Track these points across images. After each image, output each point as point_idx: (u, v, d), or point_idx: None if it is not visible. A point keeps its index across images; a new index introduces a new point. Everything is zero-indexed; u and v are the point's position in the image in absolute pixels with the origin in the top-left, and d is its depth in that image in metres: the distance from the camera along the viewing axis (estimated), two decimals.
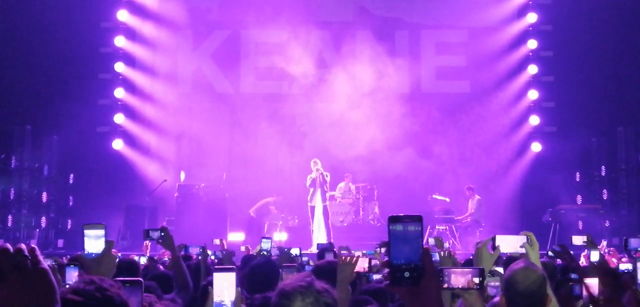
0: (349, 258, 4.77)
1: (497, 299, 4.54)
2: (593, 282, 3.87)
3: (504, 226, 17.13)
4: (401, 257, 1.72)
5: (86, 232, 3.13)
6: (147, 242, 11.89)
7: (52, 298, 1.74)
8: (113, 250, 3.28)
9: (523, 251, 3.79)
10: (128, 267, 5.88)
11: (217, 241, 9.84)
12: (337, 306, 2.79)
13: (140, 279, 2.58)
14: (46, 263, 1.70)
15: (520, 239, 3.80)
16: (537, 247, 3.81)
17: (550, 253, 7.96)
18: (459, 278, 3.44)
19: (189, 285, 5.53)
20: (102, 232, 3.14)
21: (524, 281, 3.67)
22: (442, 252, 8.30)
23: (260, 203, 18.23)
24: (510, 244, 3.80)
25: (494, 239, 3.79)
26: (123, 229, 17.71)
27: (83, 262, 3.09)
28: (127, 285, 2.32)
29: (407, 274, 1.72)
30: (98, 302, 2.17)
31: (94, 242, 3.12)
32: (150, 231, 5.82)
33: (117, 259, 6.25)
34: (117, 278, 2.46)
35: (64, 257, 9.26)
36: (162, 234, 5.62)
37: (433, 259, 1.81)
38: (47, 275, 1.74)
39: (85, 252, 3.11)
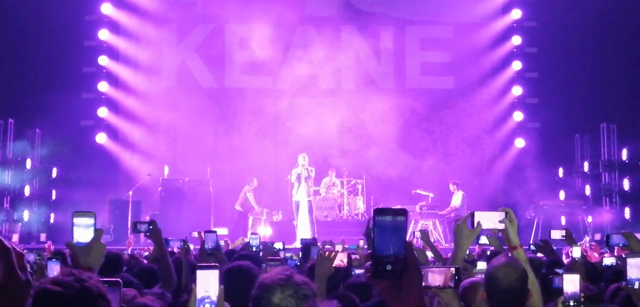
0: (328, 253, 4.81)
1: (469, 280, 4.56)
2: (574, 278, 3.88)
3: None
4: (384, 250, 1.72)
5: (75, 220, 3.10)
6: (131, 237, 11.85)
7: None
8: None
9: (502, 226, 3.77)
10: (113, 261, 5.86)
11: (195, 234, 9.80)
12: (316, 298, 2.82)
13: (118, 279, 2.58)
14: (30, 257, 1.69)
15: (500, 215, 3.77)
16: (516, 224, 3.78)
17: (532, 247, 8.02)
18: (435, 277, 3.45)
19: (173, 279, 5.52)
20: (91, 220, 3.12)
21: (505, 278, 3.68)
22: (427, 248, 8.35)
23: (241, 195, 18.18)
24: (489, 219, 3.78)
25: (472, 216, 3.77)
26: (106, 224, 17.61)
27: (72, 251, 3.07)
28: (105, 285, 2.33)
29: (389, 267, 1.71)
30: (76, 292, 2.21)
31: (83, 230, 3.09)
32: (138, 224, 5.81)
33: None
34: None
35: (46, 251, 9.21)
36: (151, 227, 5.60)
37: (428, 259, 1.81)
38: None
39: (75, 241, 3.08)
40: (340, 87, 20.57)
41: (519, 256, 3.83)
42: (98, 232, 3.10)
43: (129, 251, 10.21)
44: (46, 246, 10.74)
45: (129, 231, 17.04)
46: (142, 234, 6.43)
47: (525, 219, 17.82)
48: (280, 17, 20.11)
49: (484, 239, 8.24)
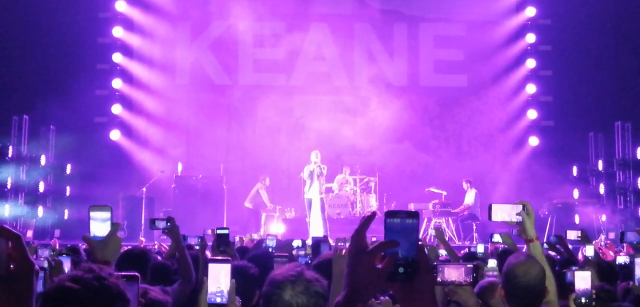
0: (345, 251, 4.76)
1: (487, 280, 4.54)
2: (586, 275, 3.86)
3: None
4: (397, 252, 1.71)
5: (92, 214, 3.12)
6: (142, 238, 11.89)
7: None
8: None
9: (518, 219, 3.76)
10: (139, 257, 5.83)
11: (209, 231, 9.82)
12: (328, 295, 2.81)
13: (136, 274, 2.57)
14: (45, 253, 1.68)
15: (516, 207, 3.77)
16: (533, 216, 3.79)
17: (546, 244, 7.96)
18: (451, 272, 3.42)
19: (192, 275, 5.50)
20: (108, 214, 3.13)
21: (524, 276, 3.66)
22: (440, 245, 8.32)
23: (252, 192, 18.20)
24: (506, 212, 3.77)
25: (490, 208, 3.76)
26: (120, 220, 17.67)
27: (89, 244, 3.08)
28: (123, 280, 2.30)
29: (401, 270, 1.70)
30: (95, 291, 2.16)
31: (100, 224, 3.11)
32: (156, 221, 5.79)
33: (127, 249, 6.26)
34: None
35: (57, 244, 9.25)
36: (169, 224, 5.59)
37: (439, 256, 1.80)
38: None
39: (91, 234, 3.10)
40: (353, 84, 20.55)
41: (535, 249, 3.82)
42: (115, 226, 3.11)
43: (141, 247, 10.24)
44: (51, 243, 10.73)
45: (141, 228, 17.14)
46: (156, 231, 6.43)
47: (539, 218, 17.74)
48: (294, 14, 20.13)
49: (497, 238, 8.20)
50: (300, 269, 2.83)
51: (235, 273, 3.14)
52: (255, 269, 4.56)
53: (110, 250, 3.04)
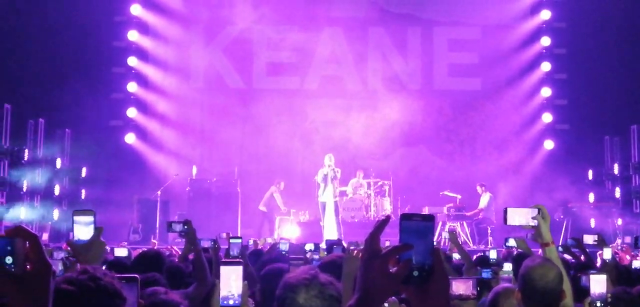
0: (356, 252, 4.77)
1: (502, 286, 4.51)
2: (601, 279, 3.84)
3: None
4: (411, 256, 1.69)
5: (75, 218, 3.15)
6: (154, 240, 11.93)
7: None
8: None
9: (534, 223, 3.74)
10: (154, 258, 5.82)
11: (224, 235, 9.84)
12: (342, 298, 2.80)
13: (135, 275, 2.57)
14: (60, 255, 1.68)
15: (532, 211, 3.74)
16: (548, 220, 3.76)
17: (561, 248, 7.91)
18: (459, 286, 3.42)
19: (208, 279, 5.50)
20: (91, 218, 3.15)
21: (542, 279, 3.64)
22: (454, 249, 8.29)
23: (266, 195, 18.21)
24: (521, 216, 3.75)
25: (506, 212, 3.75)
26: (135, 223, 17.74)
27: (72, 248, 3.10)
28: (122, 281, 2.30)
29: (416, 274, 1.69)
30: (91, 292, 2.16)
31: (83, 228, 3.13)
32: (173, 224, 5.82)
33: (142, 251, 6.26)
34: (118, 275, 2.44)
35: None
36: (185, 227, 5.60)
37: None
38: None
39: (75, 238, 3.12)
40: (367, 88, 20.52)
41: (551, 253, 3.80)
42: (98, 230, 3.12)
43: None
44: (63, 247, 10.76)
45: (156, 231, 17.19)
46: (170, 234, 6.46)
47: (554, 222, 17.63)
48: (308, 17, 20.15)
49: (511, 242, 8.17)
50: (315, 272, 2.81)
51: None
52: (251, 268, 4.56)
53: (93, 254, 3.06)
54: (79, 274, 2.20)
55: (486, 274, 5.83)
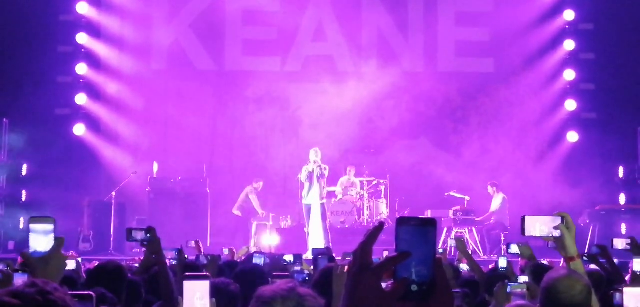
0: (346, 267, 4.76)
1: (515, 303, 4.54)
2: (636, 292, 3.85)
3: None
4: (410, 268, 1.70)
5: (32, 226, 3.12)
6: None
7: None
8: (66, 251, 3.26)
9: (557, 233, 3.72)
10: (114, 273, 5.75)
11: (192, 243, 9.84)
12: None
13: (90, 293, 2.57)
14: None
15: (554, 220, 3.72)
16: (573, 231, 3.73)
17: (585, 257, 7.91)
18: None
19: (175, 297, 5.46)
20: (51, 226, 3.12)
21: (568, 292, 3.65)
22: (463, 259, 8.31)
23: (241, 197, 18.21)
24: (542, 225, 3.72)
25: (523, 221, 3.73)
26: (85, 230, 17.68)
27: (28, 262, 3.08)
28: (75, 299, 2.29)
29: (414, 288, 1.69)
30: (38, 306, 2.15)
31: (41, 238, 3.10)
32: (133, 231, 5.72)
33: (99, 264, 6.22)
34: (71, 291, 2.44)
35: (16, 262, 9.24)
36: (149, 235, 5.50)
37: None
38: None
39: (31, 250, 3.10)
40: (359, 70, 20.51)
41: (577, 268, 3.80)
42: (58, 241, 3.10)
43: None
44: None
45: (111, 240, 17.14)
46: (129, 243, 6.42)
47: (579, 228, 17.72)
48: None
49: (514, 248, 8.16)
50: (293, 284, 2.82)
51: (215, 292, 3.13)
52: (235, 285, 4.56)
53: (52, 269, 3.04)
54: (26, 286, 2.19)
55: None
